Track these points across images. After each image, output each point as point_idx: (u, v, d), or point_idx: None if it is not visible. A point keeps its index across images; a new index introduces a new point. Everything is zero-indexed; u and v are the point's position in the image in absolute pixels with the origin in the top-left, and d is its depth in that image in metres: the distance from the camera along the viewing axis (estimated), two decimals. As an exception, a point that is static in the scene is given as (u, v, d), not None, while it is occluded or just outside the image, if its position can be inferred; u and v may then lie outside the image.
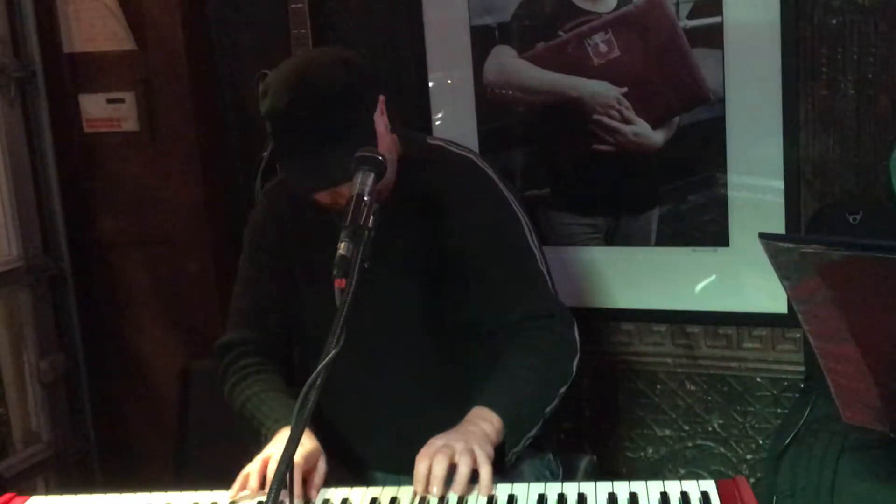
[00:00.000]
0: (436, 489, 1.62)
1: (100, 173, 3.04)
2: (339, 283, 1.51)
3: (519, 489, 1.65)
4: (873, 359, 1.20)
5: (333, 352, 1.44)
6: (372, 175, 1.64)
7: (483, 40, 2.64)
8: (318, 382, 1.42)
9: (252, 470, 1.71)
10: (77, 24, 2.96)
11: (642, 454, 2.74)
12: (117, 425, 3.18)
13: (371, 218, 1.59)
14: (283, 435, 1.81)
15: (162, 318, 3.07)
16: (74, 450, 3.14)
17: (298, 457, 1.64)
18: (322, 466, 1.76)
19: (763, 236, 1.17)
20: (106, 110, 2.97)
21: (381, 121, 1.86)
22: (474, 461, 1.65)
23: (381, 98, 1.88)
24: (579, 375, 2.66)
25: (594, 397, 2.74)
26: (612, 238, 2.63)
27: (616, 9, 2.51)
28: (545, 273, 2.03)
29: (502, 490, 1.65)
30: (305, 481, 1.71)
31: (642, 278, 2.62)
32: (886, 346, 1.19)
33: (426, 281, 1.96)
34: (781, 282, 1.21)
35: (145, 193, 3.00)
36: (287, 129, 1.79)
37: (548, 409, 1.91)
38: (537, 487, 1.66)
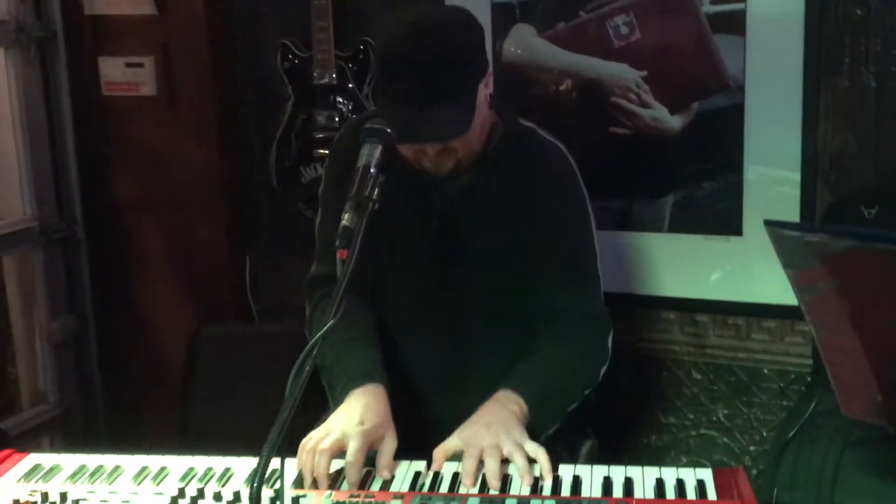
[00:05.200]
0: (496, 483, 1.61)
1: (116, 137, 3.05)
2: (340, 254, 1.51)
3: (514, 470, 1.65)
4: (874, 352, 1.19)
5: (331, 322, 1.44)
6: (379, 147, 1.64)
7: (504, 18, 2.62)
8: (313, 352, 1.41)
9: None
10: (99, -14, 2.96)
11: (645, 440, 2.73)
12: (124, 388, 3.19)
13: (376, 190, 1.58)
14: (355, 400, 1.76)
15: (173, 283, 3.07)
16: (81, 411, 3.15)
17: (362, 428, 1.65)
18: (390, 443, 1.69)
19: (768, 223, 1.16)
20: (125, 74, 2.97)
21: (483, 92, 1.88)
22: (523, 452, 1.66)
23: (490, 71, 1.91)
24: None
25: (603, 381, 2.72)
26: (624, 222, 2.61)
27: (639, -9, 2.48)
28: (599, 277, 2.04)
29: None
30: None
31: (653, 264, 2.60)
32: (888, 339, 1.17)
33: (495, 256, 1.96)
34: (785, 270, 1.19)
35: (161, 158, 3.00)
36: (396, 75, 1.79)
37: (571, 408, 1.92)
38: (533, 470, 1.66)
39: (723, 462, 2.65)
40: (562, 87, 2.59)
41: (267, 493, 1.53)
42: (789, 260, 1.16)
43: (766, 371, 2.56)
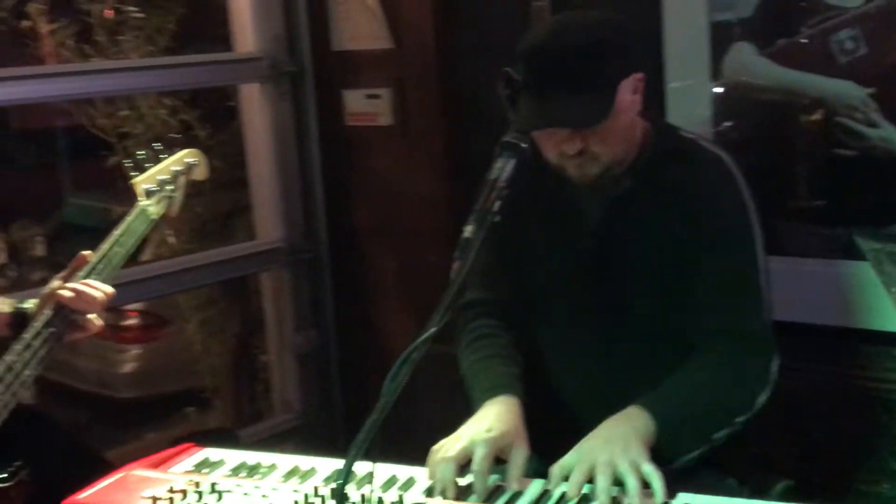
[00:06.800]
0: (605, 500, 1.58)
1: (357, 165, 3.23)
2: (456, 265, 1.53)
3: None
4: None
5: (433, 329, 1.46)
6: (512, 162, 1.65)
7: (723, 36, 2.53)
8: (412, 356, 1.44)
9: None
10: (345, 24, 3.16)
11: (875, 488, 2.49)
12: (362, 400, 3.32)
13: (498, 203, 1.59)
14: (486, 410, 1.80)
15: (405, 304, 3.20)
16: (322, 420, 3.34)
17: (489, 435, 1.67)
18: (519, 452, 1.69)
19: (860, 234, 1.05)
20: (365, 105, 3.15)
21: (629, 97, 1.84)
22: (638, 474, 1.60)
23: (639, 76, 1.86)
24: (810, 398, 2.49)
25: (827, 422, 2.53)
26: (850, 251, 2.40)
27: (865, 3, 2.32)
28: (763, 294, 1.89)
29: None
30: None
31: (883, 297, 2.37)
32: None
33: (649, 274, 1.90)
34: (885, 290, 1.06)
35: (396, 185, 3.14)
36: (532, 65, 1.83)
37: (718, 435, 1.80)
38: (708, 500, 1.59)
39: (964, 520, 2.38)
40: (783, 107, 2.46)
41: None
42: (886, 278, 1.03)
43: None
